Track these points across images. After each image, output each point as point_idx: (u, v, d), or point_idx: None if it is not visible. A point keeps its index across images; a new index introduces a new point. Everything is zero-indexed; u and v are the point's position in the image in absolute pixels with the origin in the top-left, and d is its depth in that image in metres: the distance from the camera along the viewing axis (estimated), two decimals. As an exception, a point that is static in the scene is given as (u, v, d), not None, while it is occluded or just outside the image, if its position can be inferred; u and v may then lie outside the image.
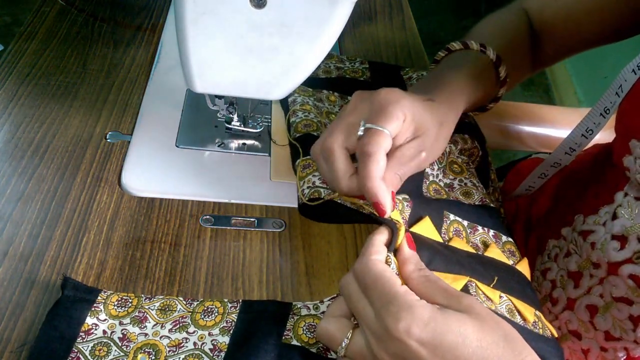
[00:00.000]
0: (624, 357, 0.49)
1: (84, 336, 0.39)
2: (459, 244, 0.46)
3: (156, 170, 0.53)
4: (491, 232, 0.49)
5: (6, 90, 0.59)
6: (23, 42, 0.65)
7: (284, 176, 0.55)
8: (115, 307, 0.42)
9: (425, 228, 0.45)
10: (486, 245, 0.48)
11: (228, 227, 0.50)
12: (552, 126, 0.85)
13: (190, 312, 0.42)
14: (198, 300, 0.43)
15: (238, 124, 0.59)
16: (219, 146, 0.57)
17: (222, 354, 0.40)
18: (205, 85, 0.49)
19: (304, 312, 0.43)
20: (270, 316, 0.42)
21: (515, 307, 0.42)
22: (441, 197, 0.51)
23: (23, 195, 0.49)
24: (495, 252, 0.47)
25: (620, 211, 0.47)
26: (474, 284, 0.41)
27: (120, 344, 0.40)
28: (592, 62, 1.90)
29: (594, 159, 0.59)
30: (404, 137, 0.44)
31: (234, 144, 0.58)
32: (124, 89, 0.62)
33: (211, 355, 0.40)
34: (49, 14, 0.70)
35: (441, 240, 0.46)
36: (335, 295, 0.43)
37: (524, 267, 0.47)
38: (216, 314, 0.42)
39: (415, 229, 0.44)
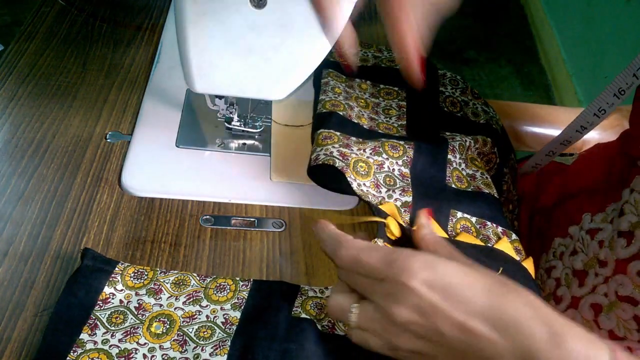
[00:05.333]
0: (627, 357, 0.49)
1: (101, 304, 0.41)
2: (465, 237, 0.47)
3: (156, 170, 0.53)
4: (500, 228, 0.49)
5: (6, 90, 0.59)
6: (23, 42, 0.65)
7: (284, 176, 0.55)
8: (132, 279, 0.43)
9: None
10: (499, 237, 0.48)
11: (228, 227, 0.50)
12: (553, 126, 0.85)
13: (203, 287, 0.44)
14: (211, 277, 0.45)
15: (238, 124, 0.59)
16: (219, 146, 0.57)
17: (234, 327, 0.42)
18: (205, 85, 0.49)
19: (311, 293, 0.45)
20: (279, 295, 0.44)
21: None
22: (462, 187, 0.53)
23: (23, 195, 0.49)
24: (505, 246, 0.47)
25: (626, 207, 0.47)
26: None
27: (136, 313, 0.41)
28: (592, 62, 1.90)
29: (598, 159, 0.59)
30: None
31: (234, 144, 0.58)
32: (124, 89, 0.62)
33: (223, 327, 0.41)
34: (49, 14, 0.70)
35: (447, 236, 0.47)
36: None
37: (529, 265, 0.47)
38: (228, 290, 0.44)
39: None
